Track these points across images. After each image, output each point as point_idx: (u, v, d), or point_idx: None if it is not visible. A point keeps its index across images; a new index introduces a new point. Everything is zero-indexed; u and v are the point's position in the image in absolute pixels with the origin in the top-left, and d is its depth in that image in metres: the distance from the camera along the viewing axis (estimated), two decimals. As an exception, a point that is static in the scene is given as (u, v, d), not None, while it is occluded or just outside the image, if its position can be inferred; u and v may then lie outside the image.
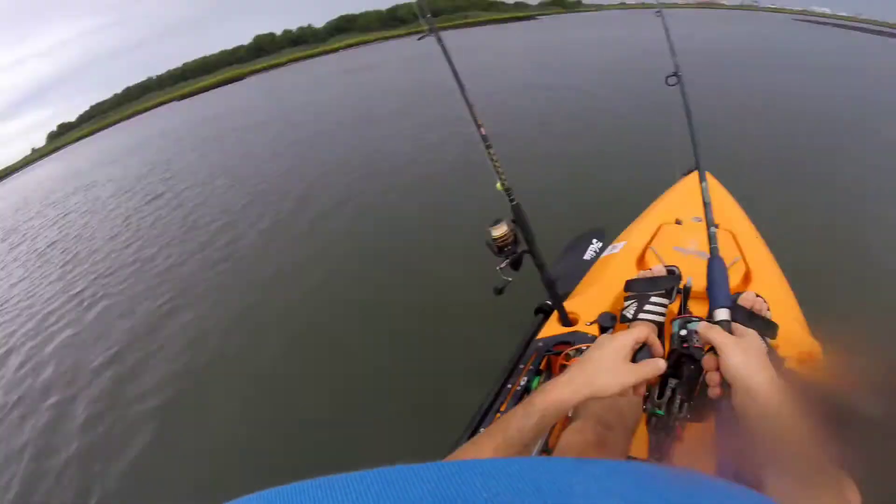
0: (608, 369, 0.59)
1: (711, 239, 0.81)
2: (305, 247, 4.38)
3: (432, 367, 2.49)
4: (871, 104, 7.91)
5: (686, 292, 1.22)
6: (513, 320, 1.68)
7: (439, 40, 1.34)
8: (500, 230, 1.24)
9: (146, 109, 40.73)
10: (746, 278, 1.56)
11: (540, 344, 1.27)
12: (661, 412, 0.97)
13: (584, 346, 1.22)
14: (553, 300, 1.36)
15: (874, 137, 6.16)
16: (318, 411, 2.39)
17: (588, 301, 1.43)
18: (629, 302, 1.07)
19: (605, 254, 1.87)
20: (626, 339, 0.63)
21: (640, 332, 0.66)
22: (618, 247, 1.79)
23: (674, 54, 1.29)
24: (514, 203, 1.29)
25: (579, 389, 0.58)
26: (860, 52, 15.35)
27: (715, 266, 0.74)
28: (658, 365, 0.61)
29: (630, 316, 1.05)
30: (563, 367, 1.20)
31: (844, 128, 6.60)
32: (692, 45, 13.06)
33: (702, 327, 0.65)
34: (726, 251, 1.58)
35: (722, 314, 0.68)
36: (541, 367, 1.24)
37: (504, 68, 13.36)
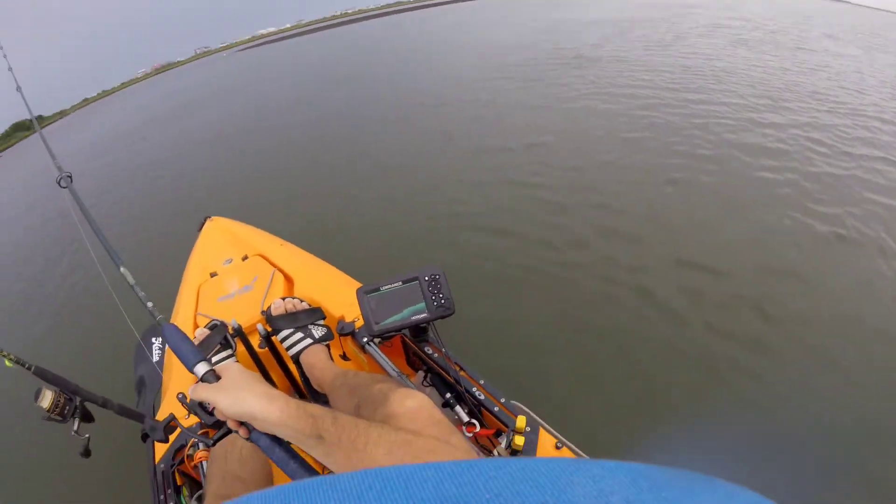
0: None
1: (151, 313, 0.78)
2: None
3: None
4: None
5: (240, 332, 1.20)
6: (133, 463, 1.49)
7: None
8: (46, 399, 1.03)
9: None
10: (289, 283, 1.68)
11: (162, 466, 1.18)
12: None
13: (195, 440, 1.15)
14: (140, 421, 1.24)
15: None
16: None
17: (173, 397, 1.33)
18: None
19: (168, 345, 1.76)
20: None
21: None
22: None
23: (54, 157, 1.24)
24: (33, 369, 1.09)
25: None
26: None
27: (167, 333, 0.72)
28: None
29: (190, 434, 0.91)
30: (196, 468, 1.14)
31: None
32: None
33: (191, 392, 0.65)
34: (262, 272, 1.69)
35: (200, 369, 0.66)
36: (178, 483, 1.15)
37: None
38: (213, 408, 0.66)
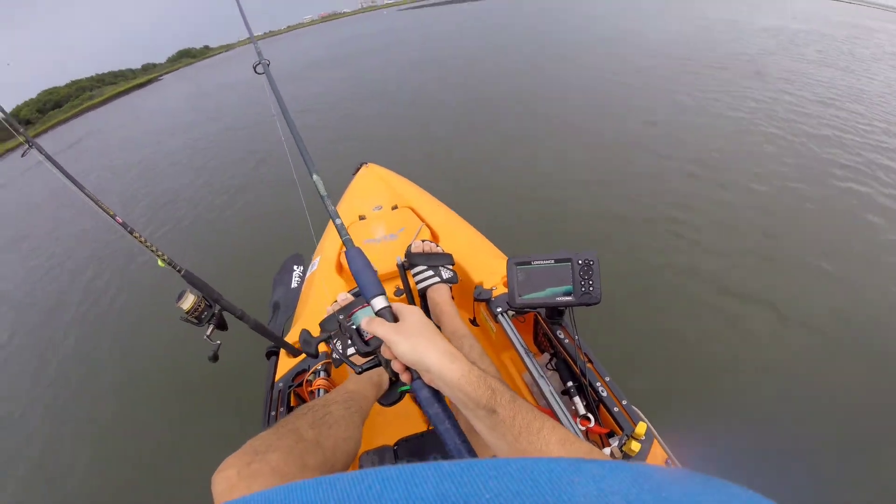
0: None
1: (340, 231, 0.76)
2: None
3: (192, 445, 2.41)
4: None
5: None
6: (260, 370, 1.68)
7: (41, 150, 1.19)
8: (187, 302, 1.16)
9: None
10: (435, 239, 1.70)
11: (280, 385, 1.27)
12: (407, 386, 1.09)
13: (319, 367, 1.25)
14: (272, 339, 1.34)
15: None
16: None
17: (305, 325, 1.45)
18: (332, 343, 1.01)
19: (307, 274, 1.88)
20: None
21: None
22: (315, 263, 1.81)
23: (255, 43, 1.29)
24: (182, 272, 1.25)
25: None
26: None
27: (351, 256, 0.70)
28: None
29: (338, 357, 0.98)
30: (311, 395, 1.21)
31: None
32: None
33: (364, 323, 0.65)
34: (410, 224, 1.74)
35: (378, 303, 0.65)
36: (291, 403, 1.22)
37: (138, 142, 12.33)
38: (371, 337, 0.68)
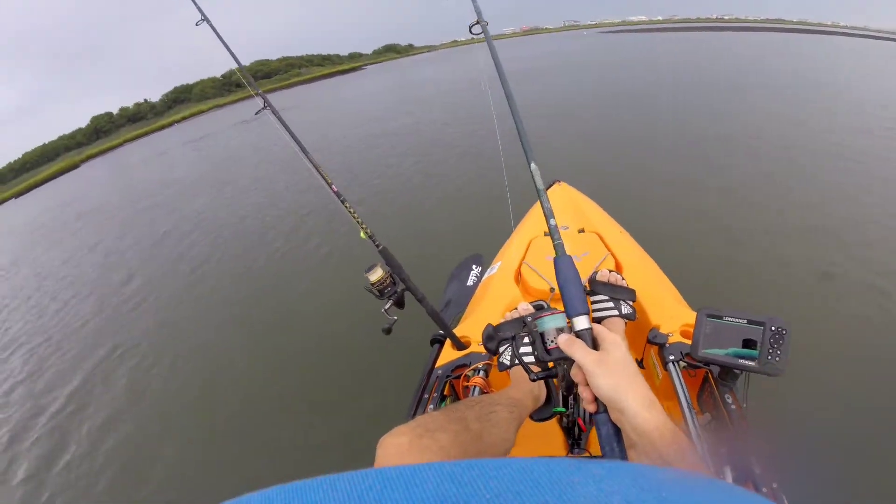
0: None
1: (553, 233, 0.72)
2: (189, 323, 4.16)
3: (347, 406, 2.57)
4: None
5: None
6: (415, 354, 1.73)
7: (274, 112, 1.42)
8: (375, 274, 1.29)
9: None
10: (618, 269, 1.63)
11: (439, 372, 1.31)
12: (562, 409, 1.05)
13: (479, 365, 1.28)
14: (443, 328, 1.41)
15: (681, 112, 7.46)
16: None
17: (476, 323, 1.48)
18: (503, 348, 1.01)
19: (485, 276, 1.92)
20: None
21: None
22: (495, 268, 1.85)
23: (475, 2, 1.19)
24: (381, 248, 1.37)
25: None
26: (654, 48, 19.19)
27: (561, 264, 0.66)
28: None
29: (507, 363, 1.02)
30: (465, 389, 1.25)
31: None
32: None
33: (563, 342, 0.61)
34: (595, 250, 1.72)
35: (581, 322, 0.61)
36: (444, 392, 1.25)
37: (341, 122, 14.08)
38: (554, 347, 0.64)
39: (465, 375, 1.27)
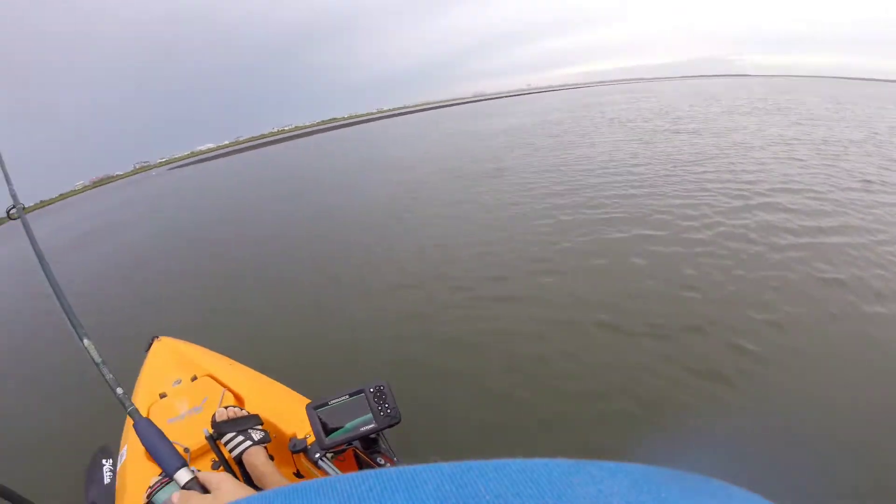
0: None
1: (123, 402, 0.71)
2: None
3: None
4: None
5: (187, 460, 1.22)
6: None
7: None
8: None
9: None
10: (239, 402, 1.72)
11: None
12: None
13: None
14: None
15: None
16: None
17: None
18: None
19: (118, 466, 1.74)
20: None
21: None
22: (123, 452, 1.70)
23: (10, 184, 1.20)
24: None
25: None
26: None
27: (140, 429, 0.66)
28: None
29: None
30: None
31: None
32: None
33: (176, 500, 0.59)
34: (212, 392, 1.75)
35: (183, 476, 0.61)
36: None
37: None
38: None
39: None
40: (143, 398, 1.87)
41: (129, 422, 1.75)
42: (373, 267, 5.39)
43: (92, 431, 2.65)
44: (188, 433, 1.52)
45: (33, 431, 3.38)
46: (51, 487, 2.50)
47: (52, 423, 3.44)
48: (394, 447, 1.24)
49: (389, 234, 6.49)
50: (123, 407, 0.70)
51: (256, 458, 1.17)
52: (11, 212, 1.07)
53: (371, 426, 1.15)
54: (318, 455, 1.26)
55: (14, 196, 1.08)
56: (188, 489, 0.61)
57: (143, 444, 0.65)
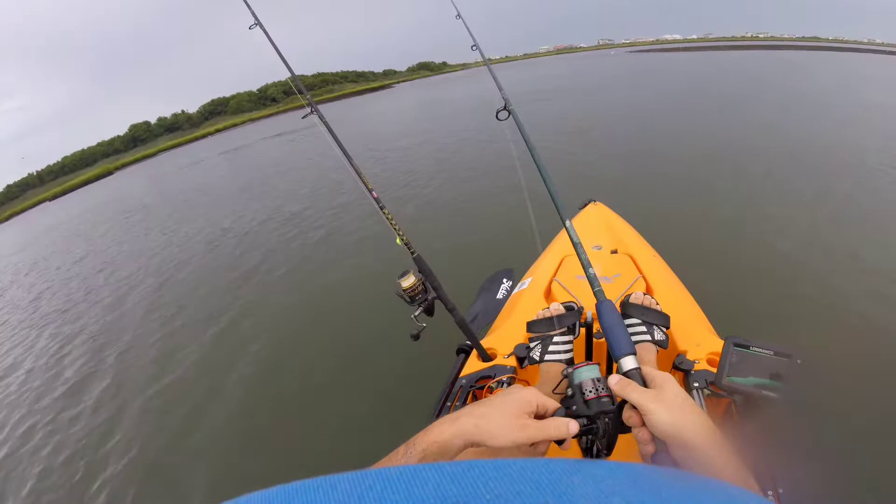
0: (500, 418, 0.52)
1: (592, 282, 0.76)
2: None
3: (366, 411, 2.59)
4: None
5: (589, 326, 1.30)
6: (439, 363, 1.72)
7: (321, 117, 1.43)
8: (408, 281, 1.29)
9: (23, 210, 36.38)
10: (649, 293, 1.61)
11: (463, 381, 1.32)
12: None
13: (504, 378, 1.27)
14: (470, 339, 1.41)
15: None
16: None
17: (503, 336, 1.49)
18: (534, 343, 1.10)
19: (515, 291, 1.94)
20: (531, 395, 0.57)
21: (544, 401, 0.59)
22: (525, 283, 1.86)
23: (500, 89, 1.39)
24: (415, 255, 1.36)
25: (463, 431, 0.51)
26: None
27: (604, 310, 0.69)
28: (568, 428, 0.55)
29: (537, 358, 1.07)
30: None
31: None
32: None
33: (615, 384, 0.59)
34: (627, 272, 1.72)
35: (628, 363, 0.61)
36: (467, 401, 1.26)
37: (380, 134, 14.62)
38: (593, 398, 0.62)
39: (489, 387, 1.26)
40: (561, 246, 2.02)
41: (542, 259, 2.03)
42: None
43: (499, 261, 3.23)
44: (590, 295, 1.56)
45: (469, 245, 4.63)
46: (464, 284, 3.11)
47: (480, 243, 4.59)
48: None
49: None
50: (591, 285, 0.78)
51: (647, 354, 1.13)
52: (499, 114, 1.28)
53: (773, 395, 0.97)
54: (697, 385, 1.19)
55: (506, 100, 1.29)
56: (629, 377, 0.60)
57: (602, 321, 0.68)
